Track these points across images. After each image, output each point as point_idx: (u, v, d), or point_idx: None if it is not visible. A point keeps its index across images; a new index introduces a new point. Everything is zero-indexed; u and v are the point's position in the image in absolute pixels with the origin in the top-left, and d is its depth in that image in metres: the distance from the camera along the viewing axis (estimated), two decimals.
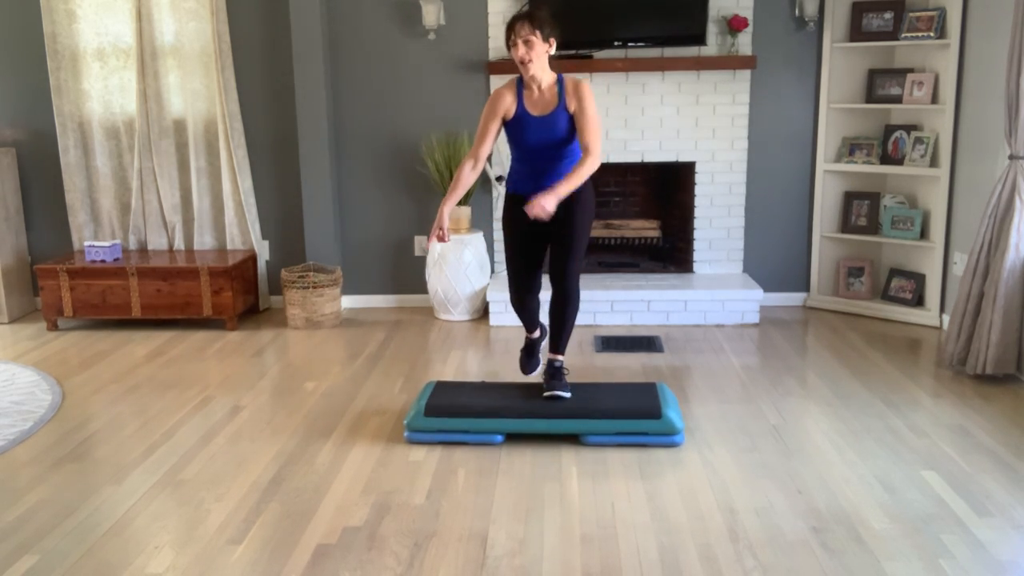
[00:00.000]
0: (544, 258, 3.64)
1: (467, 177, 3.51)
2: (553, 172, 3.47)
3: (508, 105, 3.43)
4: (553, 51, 3.41)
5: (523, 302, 3.70)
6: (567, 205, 3.43)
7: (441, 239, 3.52)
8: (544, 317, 3.83)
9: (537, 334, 3.85)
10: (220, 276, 4.95)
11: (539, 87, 3.41)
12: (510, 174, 3.60)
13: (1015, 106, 3.80)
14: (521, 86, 3.46)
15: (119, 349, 4.71)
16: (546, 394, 3.52)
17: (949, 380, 4.01)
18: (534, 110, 3.43)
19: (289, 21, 5.08)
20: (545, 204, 3.16)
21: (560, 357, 3.63)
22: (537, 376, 3.84)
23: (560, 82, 3.40)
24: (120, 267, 4.98)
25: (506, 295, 4.95)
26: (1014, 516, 2.75)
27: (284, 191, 5.39)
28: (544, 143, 3.43)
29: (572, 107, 3.37)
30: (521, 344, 4.14)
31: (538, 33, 3.31)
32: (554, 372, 3.60)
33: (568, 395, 3.51)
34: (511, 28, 3.34)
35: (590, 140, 3.32)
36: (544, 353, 3.87)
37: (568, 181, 3.27)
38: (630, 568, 2.49)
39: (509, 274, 3.66)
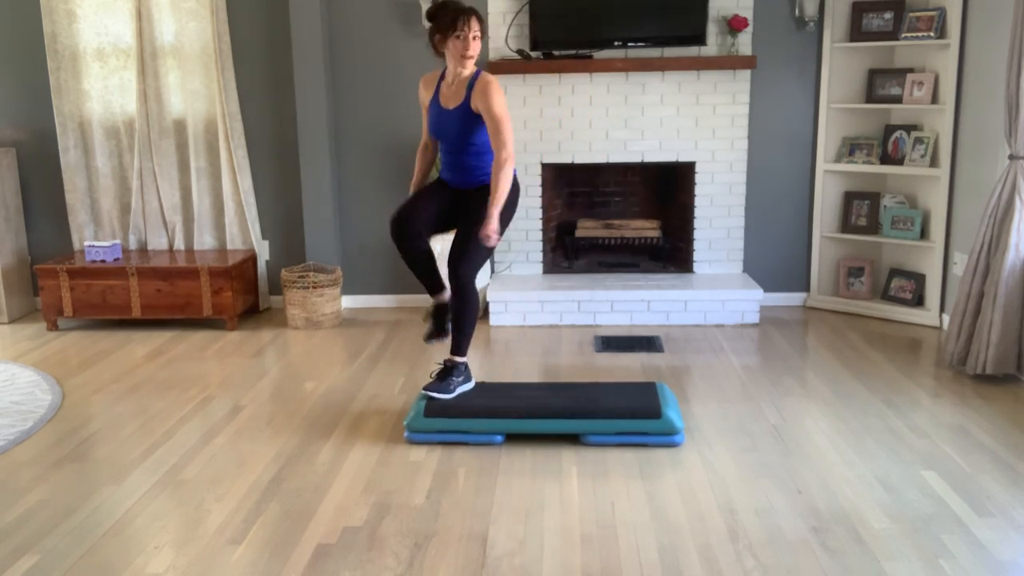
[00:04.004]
0: (433, 226, 3.57)
1: (426, 161, 3.77)
2: (462, 165, 3.51)
3: (426, 92, 3.57)
4: None
5: (402, 232, 3.51)
6: (478, 198, 3.43)
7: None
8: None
9: (444, 297, 3.65)
10: (220, 276, 4.95)
11: (456, 79, 3.46)
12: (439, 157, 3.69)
13: (1015, 106, 3.80)
14: (443, 77, 3.52)
15: (119, 349, 4.71)
16: (422, 391, 3.51)
17: (949, 380, 4.01)
18: (444, 101, 3.49)
19: (289, 21, 5.08)
20: (490, 233, 3.22)
21: (456, 358, 3.54)
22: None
23: (474, 79, 3.41)
24: (120, 267, 4.98)
25: (507, 295, 4.97)
26: (1014, 516, 2.75)
27: (284, 191, 5.39)
28: (448, 135, 3.47)
29: (477, 106, 3.36)
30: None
31: (482, 30, 3.43)
32: (440, 371, 3.54)
33: (441, 396, 3.44)
34: (460, 19, 3.35)
35: (497, 142, 3.31)
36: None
37: (495, 194, 3.27)
38: (630, 568, 2.49)
39: (401, 205, 3.58)
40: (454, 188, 3.58)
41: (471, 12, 3.38)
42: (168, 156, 5.32)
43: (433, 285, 3.62)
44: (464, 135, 3.43)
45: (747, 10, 4.98)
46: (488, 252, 3.48)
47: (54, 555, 2.61)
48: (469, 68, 3.43)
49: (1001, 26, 4.18)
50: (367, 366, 4.35)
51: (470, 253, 3.40)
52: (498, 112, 3.32)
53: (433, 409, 3.37)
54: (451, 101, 3.45)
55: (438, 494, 2.96)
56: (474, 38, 3.38)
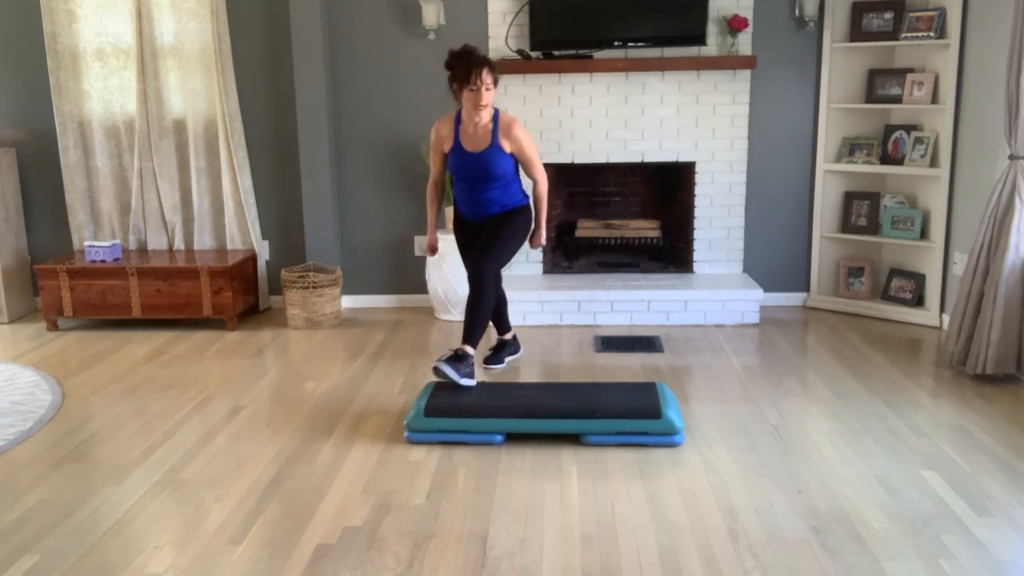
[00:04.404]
0: None
1: (438, 198, 4.08)
2: (486, 200, 3.87)
3: (444, 138, 3.84)
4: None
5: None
6: (500, 215, 3.90)
7: (434, 252, 4.14)
8: (513, 320, 4.36)
9: (508, 336, 4.29)
10: (220, 276, 4.95)
11: (475, 125, 3.75)
12: (453, 194, 4.03)
13: (1015, 106, 3.80)
14: (458, 121, 3.79)
15: (119, 349, 4.71)
16: (432, 365, 3.59)
17: (949, 380, 4.01)
18: (468, 145, 3.78)
19: (289, 21, 5.08)
20: (543, 241, 3.99)
21: (466, 348, 3.69)
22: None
23: (495, 120, 3.76)
24: (120, 267, 4.98)
25: (507, 295, 4.96)
26: (1014, 516, 2.75)
27: (284, 191, 5.39)
28: (476, 175, 3.79)
29: (507, 147, 3.77)
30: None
31: (495, 80, 3.68)
32: (453, 356, 3.62)
33: (459, 382, 3.54)
34: (473, 72, 3.62)
35: (536, 174, 3.89)
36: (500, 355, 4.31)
37: (540, 213, 3.95)
38: (630, 568, 2.49)
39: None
40: (473, 222, 3.98)
41: (483, 64, 3.64)
42: (168, 156, 5.32)
43: (500, 326, 4.25)
44: (491, 173, 3.78)
45: (747, 10, 4.98)
46: (509, 256, 3.93)
47: (54, 555, 2.62)
48: (486, 115, 3.73)
49: (1001, 26, 4.18)
50: (367, 366, 4.35)
51: (492, 254, 3.82)
52: (529, 154, 3.83)
53: (433, 409, 3.37)
54: (477, 144, 3.77)
55: (438, 494, 2.96)
56: (487, 89, 3.65)
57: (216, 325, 5.13)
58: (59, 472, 3.19)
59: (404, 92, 5.24)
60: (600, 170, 5.43)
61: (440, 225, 5.35)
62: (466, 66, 3.64)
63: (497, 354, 4.26)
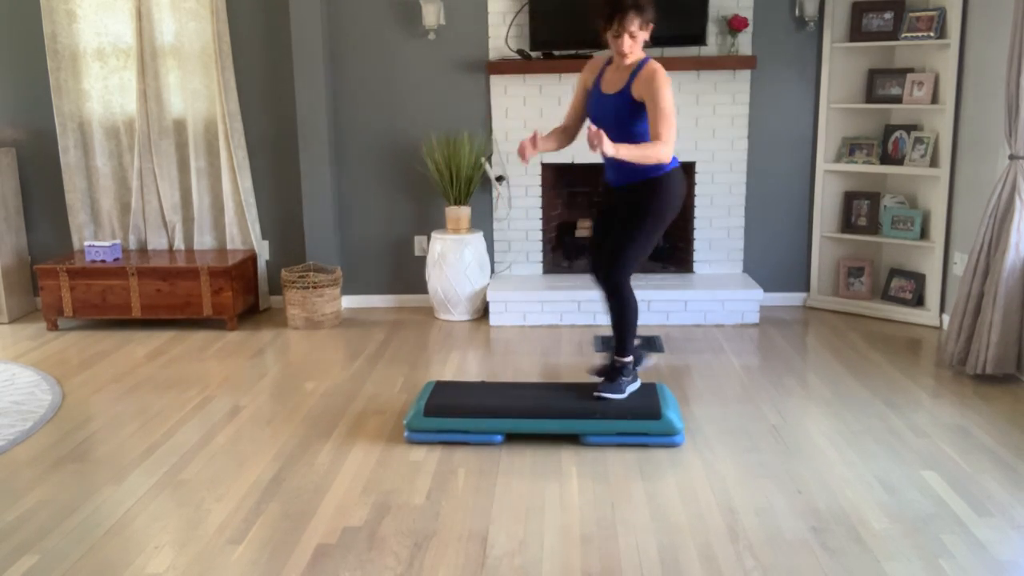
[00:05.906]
0: None
1: (560, 135, 3.47)
2: (615, 161, 3.27)
3: (589, 76, 3.41)
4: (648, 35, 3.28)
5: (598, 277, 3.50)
6: (636, 196, 3.34)
7: (534, 143, 3.27)
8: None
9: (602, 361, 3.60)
10: (220, 276, 4.95)
11: (618, 67, 3.31)
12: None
13: (1015, 106, 3.80)
14: (610, 60, 3.38)
15: (119, 349, 4.71)
16: (594, 393, 3.44)
17: (949, 380, 4.01)
18: (605, 87, 3.35)
19: (289, 21, 5.08)
20: (602, 141, 3.01)
21: (623, 359, 3.48)
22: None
23: (639, 66, 3.25)
24: (120, 267, 4.98)
25: (507, 295, 4.97)
26: (1014, 516, 2.75)
27: (284, 191, 5.39)
28: (604, 123, 3.28)
29: (638, 94, 3.21)
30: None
31: (643, 25, 3.20)
32: (609, 372, 3.49)
33: (615, 397, 3.41)
34: (615, 17, 3.16)
35: (661, 130, 3.17)
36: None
37: (630, 147, 3.11)
38: (630, 568, 2.49)
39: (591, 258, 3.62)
40: (616, 189, 3.42)
41: (627, 10, 3.14)
42: (168, 156, 5.31)
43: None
44: (622, 124, 3.26)
45: (747, 10, 4.98)
46: (642, 256, 3.41)
47: (54, 555, 2.62)
48: (631, 58, 3.26)
49: (1001, 26, 4.18)
50: (367, 366, 4.35)
51: (624, 260, 3.37)
52: (664, 106, 3.16)
53: (433, 409, 3.37)
54: (612, 87, 3.31)
55: (438, 494, 2.96)
56: (630, 36, 3.17)
57: (216, 325, 5.13)
58: (59, 472, 3.19)
59: (404, 92, 5.23)
60: (600, 170, 5.40)
61: (439, 226, 5.35)
62: (610, 7, 3.16)
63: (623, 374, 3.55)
